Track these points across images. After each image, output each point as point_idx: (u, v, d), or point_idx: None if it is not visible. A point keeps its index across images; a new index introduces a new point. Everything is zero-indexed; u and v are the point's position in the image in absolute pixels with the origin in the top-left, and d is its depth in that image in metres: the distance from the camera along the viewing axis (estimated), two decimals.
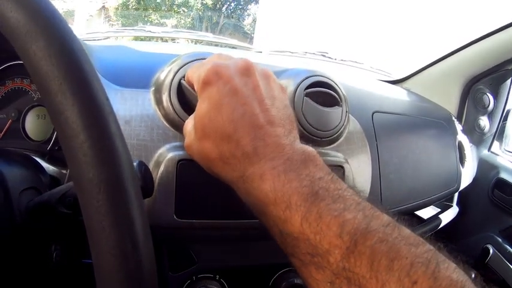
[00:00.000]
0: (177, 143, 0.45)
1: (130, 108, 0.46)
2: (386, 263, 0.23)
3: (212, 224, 0.46)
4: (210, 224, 0.45)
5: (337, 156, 0.51)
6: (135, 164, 0.33)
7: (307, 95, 0.49)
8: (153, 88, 0.47)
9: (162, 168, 0.43)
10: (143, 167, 0.33)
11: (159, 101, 0.46)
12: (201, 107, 0.33)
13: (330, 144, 0.52)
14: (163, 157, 0.43)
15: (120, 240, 0.21)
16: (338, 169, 0.50)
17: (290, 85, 0.49)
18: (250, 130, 0.31)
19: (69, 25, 0.26)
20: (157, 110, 0.46)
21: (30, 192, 0.36)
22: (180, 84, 0.44)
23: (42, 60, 0.23)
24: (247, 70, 0.34)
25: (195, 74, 0.36)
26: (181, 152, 0.43)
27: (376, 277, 0.23)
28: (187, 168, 0.43)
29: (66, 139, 0.23)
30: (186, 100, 0.44)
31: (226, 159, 0.31)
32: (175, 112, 0.44)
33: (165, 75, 0.46)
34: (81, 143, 0.22)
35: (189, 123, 0.37)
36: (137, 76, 0.50)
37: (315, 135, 0.49)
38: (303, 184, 0.28)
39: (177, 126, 0.45)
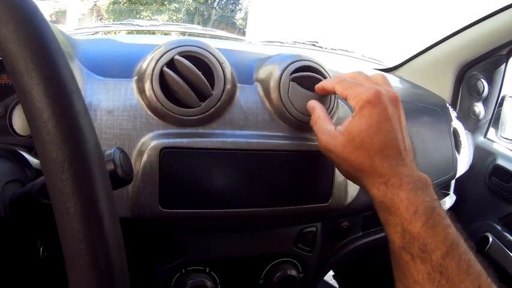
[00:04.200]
0: (160, 131, 0.44)
1: (113, 98, 0.45)
2: (466, 268, 0.36)
3: (199, 213, 0.44)
4: (197, 214, 0.44)
5: None
6: (111, 150, 0.32)
7: (293, 79, 0.47)
8: (136, 77, 0.46)
9: (145, 157, 0.42)
10: (120, 154, 0.32)
11: (141, 90, 0.45)
12: (361, 122, 0.41)
13: None
14: (146, 146, 0.42)
15: (84, 222, 0.20)
16: None
17: (276, 70, 0.48)
18: (396, 151, 0.41)
19: (38, 7, 0.25)
20: (140, 99, 0.45)
21: (14, 184, 0.35)
22: (162, 72, 0.43)
23: (12, 42, 0.23)
24: (396, 101, 0.43)
25: (351, 90, 0.43)
26: (164, 140, 0.42)
27: (459, 275, 0.36)
28: (171, 156, 0.42)
29: (32, 119, 0.22)
30: (168, 88, 0.43)
31: (376, 167, 0.41)
32: (158, 100, 0.43)
33: (147, 63, 0.45)
34: (45, 121, 0.22)
35: (340, 134, 0.43)
36: (120, 66, 0.49)
37: (303, 121, 0.48)
38: (426, 199, 0.39)
39: (160, 114, 0.44)
